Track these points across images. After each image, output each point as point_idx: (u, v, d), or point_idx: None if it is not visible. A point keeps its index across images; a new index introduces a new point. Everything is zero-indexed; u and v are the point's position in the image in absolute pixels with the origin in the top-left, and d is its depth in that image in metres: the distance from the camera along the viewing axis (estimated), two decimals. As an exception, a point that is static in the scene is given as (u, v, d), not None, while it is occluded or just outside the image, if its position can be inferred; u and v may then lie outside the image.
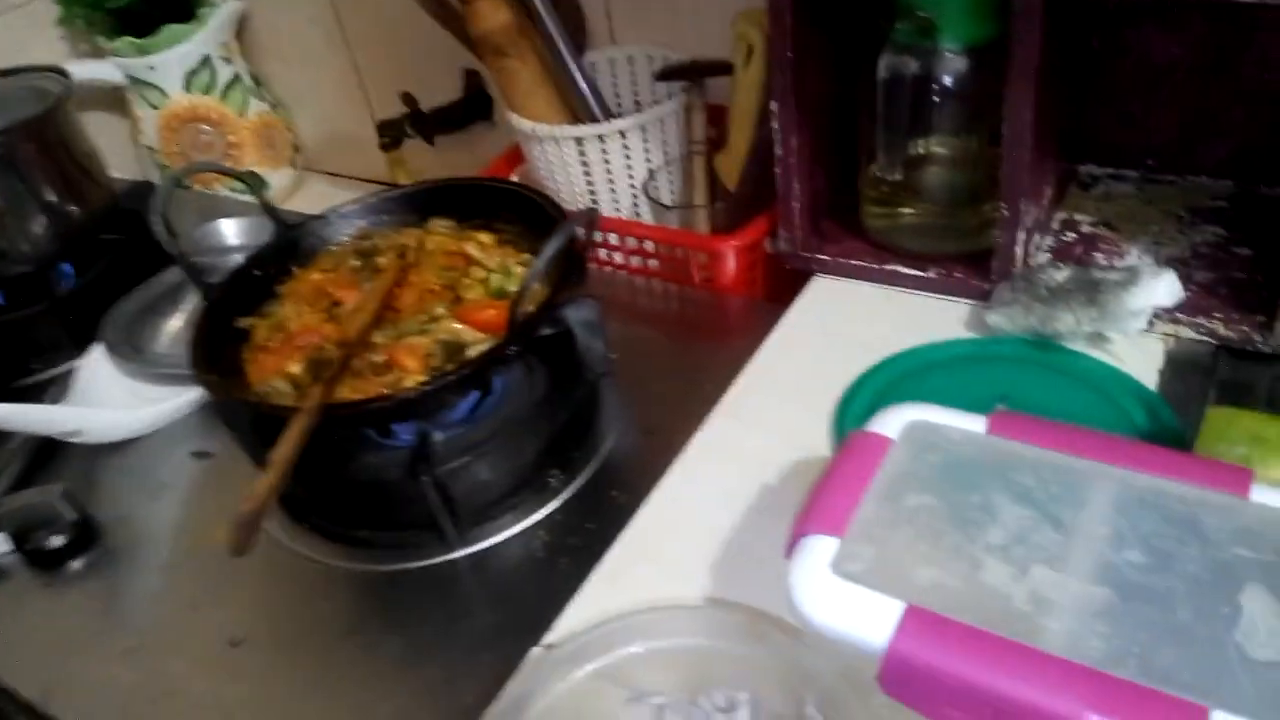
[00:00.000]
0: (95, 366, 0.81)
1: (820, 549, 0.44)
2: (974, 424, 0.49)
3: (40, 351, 0.90)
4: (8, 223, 0.88)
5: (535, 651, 0.53)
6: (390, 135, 1.18)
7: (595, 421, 0.73)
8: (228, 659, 0.60)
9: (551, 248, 0.57)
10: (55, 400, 0.80)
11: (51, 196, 0.90)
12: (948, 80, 0.68)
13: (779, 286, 0.85)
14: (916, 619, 0.40)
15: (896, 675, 0.40)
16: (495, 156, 1.04)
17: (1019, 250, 0.69)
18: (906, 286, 0.75)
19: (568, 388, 0.71)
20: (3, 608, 0.67)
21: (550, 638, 0.55)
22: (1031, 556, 0.42)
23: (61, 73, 0.94)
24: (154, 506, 0.72)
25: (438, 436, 0.66)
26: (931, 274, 0.73)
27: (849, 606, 0.42)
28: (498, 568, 0.64)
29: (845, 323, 0.74)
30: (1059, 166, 0.76)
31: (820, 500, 0.46)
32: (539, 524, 0.66)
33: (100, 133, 1.00)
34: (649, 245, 0.87)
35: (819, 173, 0.77)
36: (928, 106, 0.69)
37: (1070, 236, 0.75)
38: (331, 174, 1.34)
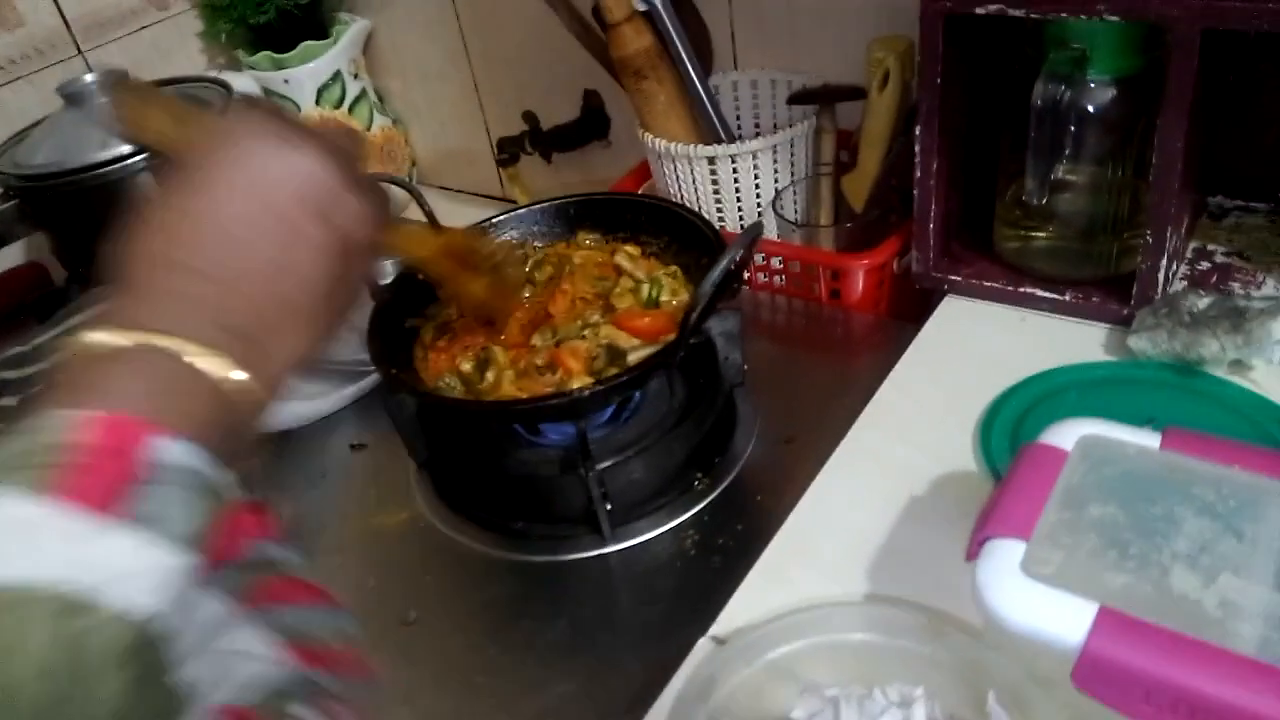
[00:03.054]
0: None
1: (1007, 551, 0.46)
2: (1147, 439, 0.51)
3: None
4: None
5: (704, 643, 0.56)
6: (509, 152, 1.23)
7: (732, 429, 0.76)
8: (401, 636, 0.64)
9: (727, 258, 0.60)
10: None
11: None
12: (1094, 109, 0.70)
13: (902, 305, 0.88)
14: (1111, 620, 0.42)
15: (1092, 673, 0.42)
16: (609, 174, 1.08)
17: (1161, 277, 0.70)
18: (1041, 309, 0.77)
19: (706, 396, 0.74)
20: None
21: (715, 630, 0.57)
22: (1218, 565, 0.44)
23: (222, 84, 0.99)
24: (315, 493, 0.77)
25: (593, 435, 0.70)
26: (1068, 297, 0.75)
27: (1042, 606, 0.44)
28: (650, 564, 0.67)
29: (980, 342, 0.76)
30: (1194, 197, 0.78)
31: (1003, 505, 0.48)
32: (687, 523, 0.69)
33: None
34: (776, 262, 0.90)
35: (953, 195, 0.79)
36: (1072, 134, 0.72)
37: (1204, 265, 0.77)
38: (443, 188, 1.39)
